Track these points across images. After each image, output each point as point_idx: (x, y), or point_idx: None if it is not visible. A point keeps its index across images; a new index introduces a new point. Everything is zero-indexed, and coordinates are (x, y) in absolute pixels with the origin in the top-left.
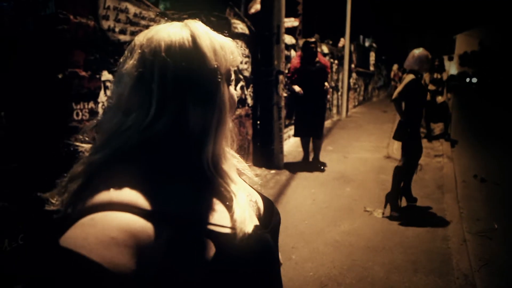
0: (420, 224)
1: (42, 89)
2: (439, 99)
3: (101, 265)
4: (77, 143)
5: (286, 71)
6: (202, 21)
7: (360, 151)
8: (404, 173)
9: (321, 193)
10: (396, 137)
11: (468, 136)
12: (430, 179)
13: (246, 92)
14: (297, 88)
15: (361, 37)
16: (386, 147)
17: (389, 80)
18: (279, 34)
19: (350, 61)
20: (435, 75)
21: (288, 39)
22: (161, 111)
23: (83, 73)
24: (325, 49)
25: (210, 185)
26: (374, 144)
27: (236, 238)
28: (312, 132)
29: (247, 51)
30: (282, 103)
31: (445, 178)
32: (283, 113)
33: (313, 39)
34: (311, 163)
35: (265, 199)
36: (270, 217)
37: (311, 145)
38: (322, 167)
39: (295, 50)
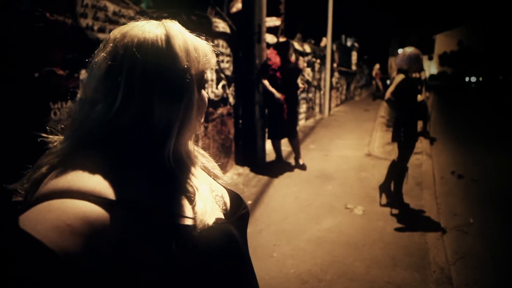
0: (400, 220)
1: (18, 88)
2: (418, 98)
3: (53, 251)
4: (45, 135)
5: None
6: (183, 20)
7: (342, 149)
8: (398, 170)
9: (303, 191)
10: (394, 138)
11: (447, 134)
12: (409, 176)
13: (227, 91)
14: (277, 94)
15: (343, 36)
16: (367, 145)
17: (371, 79)
18: (260, 33)
19: (332, 61)
20: (414, 75)
21: (270, 38)
22: (126, 105)
23: (61, 72)
24: (307, 48)
25: (173, 178)
26: (356, 142)
27: (195, 230)
28: (287, 133)
29: (228, 50)
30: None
31: (424, 175)
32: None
33: (285, 38)
34: (286, 163)
35: (232, 194)
36: (236, 210)
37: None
38: (304, 166)
39: None
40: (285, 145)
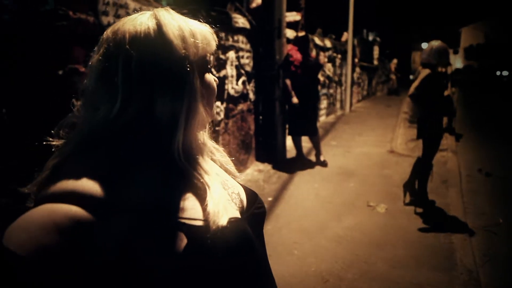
0: (424, 219)
1: (42, 86)
2: (444, 93)
3: (39, 255)
4: (51, 139)
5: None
6: (202, 16)
7: (363, 145)
8: (422, 168)
9: (324, 188)
10: (419, 135)
11: (473, 130)
12: (434, 174)
13: (248, 87)
14: (294, 99)
15: (365, 31)
16: (389, 141)
17: (389, 74)
18: (280, 29)
19: (354, 56)
20: (439, 69)
21: (290, 33)
22: (127, 104)
23: (84, 69)
24: (327, 43)
25: (183, 176)
26: (378, 138)
27: (208, 231)
28: (308, 130)
29: (248, 46)
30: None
31: (449, 172)
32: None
33: (303, 33)
34: (307, 159)
35: (248, 192)
36: (251, 208)
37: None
38: (325, 162)
39: None
40: (306, 141)
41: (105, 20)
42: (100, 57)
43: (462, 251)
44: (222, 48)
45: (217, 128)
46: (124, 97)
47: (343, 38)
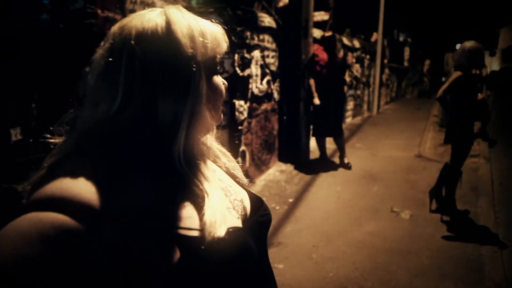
0: (451, 228)
1: (70, 83)
2: (478, 96)
3: (12, 269)
4: (50, 136)
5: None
6: (228, 15)
7: (390, 149)
8: (450, 174)
9: (347, 191)
10: (447, 139)
11: (510, 136)
12: (464, 181)
13: (272, 86)
14: (316, 100)
15: (396, 31)
16: (418, 145)
17: (423, 76)
18: (307, 28)
19: (383, 56)
20: (473, 71)
21: (318, 33)
22: (128, 102)
23: None
24: (356, 43)
25: (182, 182)
26: (405, 142)
27: (204, 242)
28: (332, 131)
29: (274, 45)
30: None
31: (480, 180)
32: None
33: (330, 33)
34: (331, 161)
35: (253, 198)
36: (255, 216)
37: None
38: (349, 165)
39: None
40: (330, 143)
41: None
42: (104, 52)
43: (491, 264)
44: (247, 47)
45: (240, 127)
46: (125, 94)
47: (373, 39)
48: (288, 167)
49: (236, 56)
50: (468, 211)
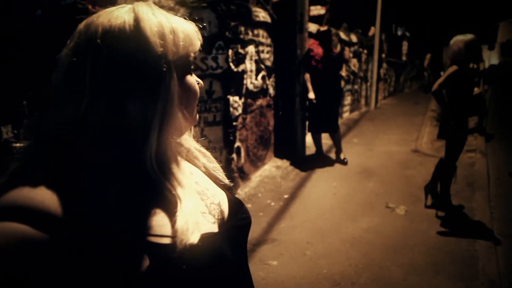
0: (446, 223)
1: None
2: (475, 90)
3: None
4: (14, 140)
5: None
6: (221, 9)
7: (387, 144)
8: (445, 169)
9: (342, 187)
10: (441, 134)
11: (506, 130)
12: (459, 176)
13: (267, 82)
14: (311, 94)
15: (394, 25)
16: (415, 140)
17: (422, 70)
18: (302, 23)
19: (381, 51)
20: (471, 65)
21: (314, 28)
22: (94, 104)
23: None
24: (353, 38)
25: (154, 187)
26: (402, 137)
27: (175, 250)
28: (328, 127)
29: (269, 40)
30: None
31: (476, 175)
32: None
33: (326, 27)
34: (327, 157)
35: (233, 201)
36: (232, 220)
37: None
38: (345, 160)
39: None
40: (327, 139)
41: None
42: (69, 51)
43: (486, 260)
44: (242, 42)
45: (234, 123)
46: (91, 96)
47: (370, 33)
48: (284, 163)
49: (230, 52)
50: (463, 206)
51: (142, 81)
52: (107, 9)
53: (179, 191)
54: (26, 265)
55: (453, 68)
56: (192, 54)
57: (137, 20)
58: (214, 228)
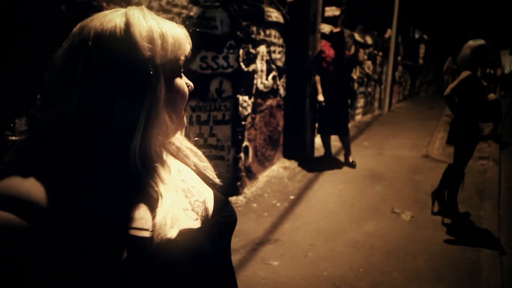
0: (451, 231)
1: None
2: (491, 96)
3: None
4: (10, 134)
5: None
6: (233, 9)
7: (397, 148)
8: (452, 176)
9: (349, 190)
10: (450, 140)
11: None
12: (469, 183)
13: (278, 82)
14: (320, 97)
15: (411, 28)
16: (426, 145)
17: (439, 74)
18: (315, 24)
19: (397, 54)
20: (487, 70)
21: (328, 29)
22: (84, 102)
23: None
24: (368, 40)
25: (137, 183)
26: (414, 141)
27: (152, 243)
28: (338, 129)
29: (281, 41)
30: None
31: (487, 183)
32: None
33: (338, 29)
34: (335, 159)
35: (219, 200)
36: (216, 217)
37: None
38: (353, 164)
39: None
40: (336, 141)
41: None
42: (64, 52)
43: (489, 269)
44: (253, 42)
45: (243, 123)
46: (82, 94)
47: (387, 35)
48: (292, 164)
49: (241, 51)
50: (469, 214)
51: (129, 82)
52: (101, 13)
53: (161, 187)
54: (8, 250)
55: (466, 73)
56: (182, 58)
57: (127, 25)
58: (196, 225)
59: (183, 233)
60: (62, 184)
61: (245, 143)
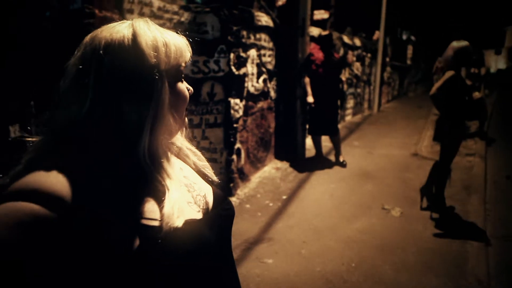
0: (440, 225)
1: None
2: (476, 95)
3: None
4: (27, 135)
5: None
6: (224, 14)
7: (387, 147)
8: (439, 172)
9: (340, 188)
10: (436, 137)
11: (508, 135)
12: (457, 179)
13: (269, 85)
14: (310, 98)
15: (399, 29)
16: (415, 144)
17: (428, 74)
18: (304, 27)
19: (385, 55)
20: (472, 70)
21: (317, 32)
22: (96, 105)
23: None
24: (357, 42)
25: (146, 178)
26: (403, 140)
27: (161, 232)
28: (328, 130)
29: (271, 44)
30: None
31: (474, 178)
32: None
33: (327, 32)
34: (326, 159)
35: (217, 194)
36: (216, 209)
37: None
38: (344, 163)
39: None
40: (327, 141)
41: (130, 18)
42: (76, 60)
43: (476, 260)
44: (243, 46)
45: (235, 125)
46: (94, 98)
47: (375, 37)
48: (284, 165)
49: (232, 55)
50: (454, 207)
51: (137, 87)
52: (109, 24)
53: (168, 182)
54: (37, 237)
55: (450, 73)
56: (183, 64)
57: (134, 35)
58: (199, 216)
59: (188, 223)
60: (80, 179)
61: (237, 145)
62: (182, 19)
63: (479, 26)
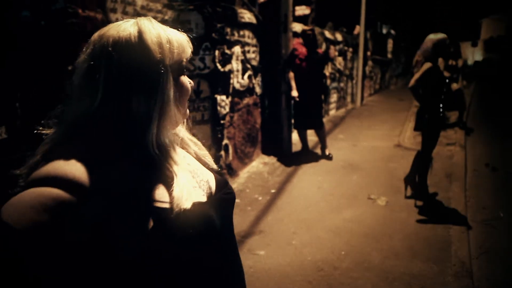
0: (423, 212)
1: (53, 81)
2: (454, 86)
3: (23, 232)
4: (41, 128)
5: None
6: (207, 12)
7: (371, 139)
8: (421, 161)
9: (327, 181)
10: (417, 127)
11: (487, 124)
12: (439, 168)
13: (254, 81)
14: (294, 92)
15: (379, 23)
16: (398, 135)
17: (409, 67)
18: (286, 23)
19: (366, 49)
20: (449, 62)
21: (299, 28)
22: (107, 99)
23: None
24: (338, 37)
25: (155, 165)
26: (386, 132)
27: (172, 213)
28: (313, 124)
29: (254, 41)
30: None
31: (454, 166)
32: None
33: (309, 27)
34: (313, 153)
35: (219, 180)
36: (219, 193)
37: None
38: (330, 156)
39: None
40: (313, 135)
41: (113, 17)
42: (86, 57)
43: (458, 243)
44: (228, 43)
45: (222, 122)
46: (104, 92)
47: (355, 31)
48: (271, 159)
49: (217, 52)
50: (436, 193)
51: (144, 81)
52: (115, 23)
53: (175, 168)
54: (62, 219)
55: (428, 65)
56: (185, 59)
57: (140, 32)
58: (204, 199)
59: (196, 204)
60: (95, 167)
61: (225, 141)
62: (166, 17)
63: (455, 19)
